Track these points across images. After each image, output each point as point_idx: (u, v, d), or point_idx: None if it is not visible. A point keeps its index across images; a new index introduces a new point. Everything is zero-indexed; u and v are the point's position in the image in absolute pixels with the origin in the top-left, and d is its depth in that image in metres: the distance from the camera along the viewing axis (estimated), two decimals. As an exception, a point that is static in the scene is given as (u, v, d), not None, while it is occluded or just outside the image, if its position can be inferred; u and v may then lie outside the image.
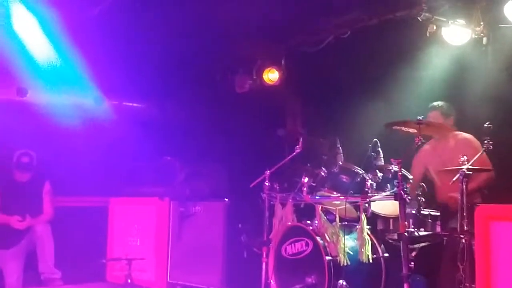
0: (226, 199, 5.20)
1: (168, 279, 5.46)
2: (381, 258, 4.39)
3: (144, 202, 5.81)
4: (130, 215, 5.93)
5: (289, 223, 4.65)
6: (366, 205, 4.30)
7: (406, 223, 3.95)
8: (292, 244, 4.54)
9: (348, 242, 4.33)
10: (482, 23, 4.68)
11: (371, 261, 4.23)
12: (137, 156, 6.06)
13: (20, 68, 5.65)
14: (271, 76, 6.15)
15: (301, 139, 4.83)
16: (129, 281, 5.33)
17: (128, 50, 6.01)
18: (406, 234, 3.90)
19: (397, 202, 3.93)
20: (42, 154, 5.87)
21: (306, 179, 4.58)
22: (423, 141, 4.06)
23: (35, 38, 5.54)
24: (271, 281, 4.63)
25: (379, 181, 4.40)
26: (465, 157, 3.90)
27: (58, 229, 5.71)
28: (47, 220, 5.71)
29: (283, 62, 6.10)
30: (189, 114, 6.75)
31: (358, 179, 4.52)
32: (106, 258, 5.85)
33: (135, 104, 6.97)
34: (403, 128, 4.26)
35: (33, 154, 5.81)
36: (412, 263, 3.91)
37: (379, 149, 4.48)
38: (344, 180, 4.60)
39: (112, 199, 6.16)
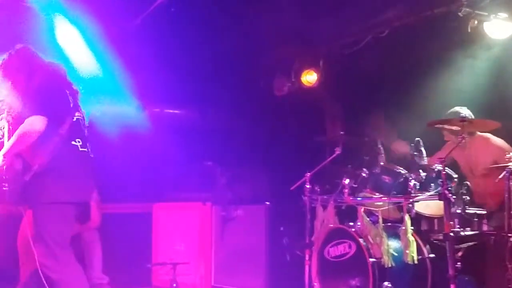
0: (267, 203, 5.21)
1: (213, 283, 5.51)
2: (427, 259, 4.30)
3: (187, 207, 5.89)
4: (174, 220, 6.02)
5: (331, 225, 4.62)
6: (410, 205, 4.24)
7: (451, 223, 3.86)
8: (335, 247, 4.50)
9: (392, 244, 4.26)
10: (525, 15, 4.56)
11: (416, 262, 4.15)
12: (179, 162, 6.14)
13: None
14: (309, 78, 6.13)
15: (340, 141, 4.81)
16: (174, 285, 5.41)
17: (168, 58, 6.12)
18: (451, 234, 3.81)
19: (442, 202, 3.86)
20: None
21: (347, 181, 4.54)
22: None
23: (78, 50, 5.69)
24: (315, 283, 4.61)
25: (423, 180, 4.32)
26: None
27: (105, 235, 5.84)
28: (95, 226, 5.83)
29: (321, 63, 6.07)
30: (229, 118, 6.80)
31: (401, 179, 4.46)
32: (151, 263, 5.95)
33: (176, 111, 7.08)
34: (445, 126, 4.18)
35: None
36: (459, 263, 3.82)
37: (422, 148, 4.40)
38: (386, 180, 4.53)
39: (155, 205, 6.27)
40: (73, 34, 5.51)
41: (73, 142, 3.60)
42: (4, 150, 3.52)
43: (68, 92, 3.68)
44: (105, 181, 6.03)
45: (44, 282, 3.47)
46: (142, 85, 6.28)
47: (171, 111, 7.04)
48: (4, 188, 3.50)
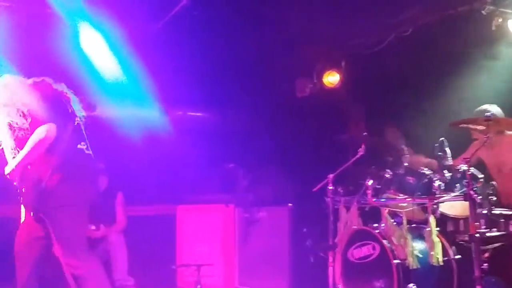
0: (290, 204, 5.20)
1: (236, 285, 5.52)
2: (452, 261, 4.25)
3: (210, 209, 5.91)
4: (197, 222, 6.05)
5: (355, 227, 4.59)
6: (434, 206, 4.19)
7: (477, 223, 3.80)
8: (359, 248, 4.47)
9: (417, 245, 4.22)
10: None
11: (441, 263, 4.10)
12: (201, 164, 6.17)
13: (88, 84, 5.91)
14: (331, 79, 6.12)
15: (363, 141, 4.78)
16: (198, 286, 5.44)
17: (190, 60, 6.16)
18: (477, 235, 3.75)
19: (467, 203, 3.81)
20: (113, 165, 6.11)
21: (370, 182, 4.50)
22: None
23: (101, 54, 5.77)
24: (339, 286, 4.59)
25: (447, 181, 4.26)
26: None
27: (130, 238, 5.91)
28: (120, 229, 5.91)
29: (343, 64, 6.04)
30: (251, 120, 6.82)
31: (425, 180, 4.41)
32: (175, 265, 5.98)
33: (198, 114, 7.12)
34: (470, 126, 4.12)
35: (105, 166, 6.04)
36: (485, 264, 3.75)
37: (446, 148, 4.34)
38: (411, 181, 4.49)
39: (179, 207, 6.30)
40: (96, 39, 5.59)
41: (78, 146, 3.74)
42: (17, 160, 3.64)
43: (63, 99, 3.81)
44: (130, 184, 6.14)
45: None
46: (164, 89, 6.33)
47: (193, 113, 7.08)
48: (21, 198, 3.67)
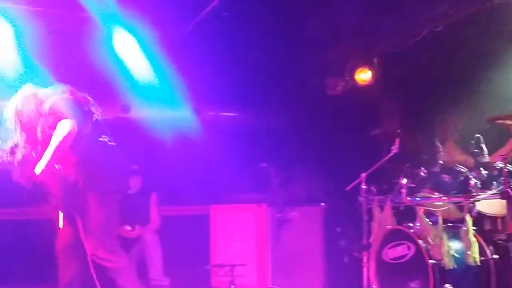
0: (323, 204, 5.16)
1: (270, 285, 5.51)
2: (490, 260, 4.13)
3: (242, 208, 5.92)
4: (230, 222, 6.07)
5: (389, 227, 4.53)
6: (471, 205, 4.10)
7: (515, 222, 3.70)
8: (393, 248, 4.41)
9: (453, 245, 4.13)
10: None
11: (478, 263, 4.01)
12: (234, 164, 6.19)
13: (123, 86, 6.01)
14: (364, 76, 6.02)
15: (397, 139, 4.70)
16: (232, 286, 5.46)
17: (221, 61, 6.19)
18: (516, 234, 3.66)
19: (505, 201, 3.71)
20: (147, 166, 6.20)
21: (404, 180, 4.43)
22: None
23: (134, 57, 5.86)
24: (373, 286, 4.54)
25: (484, 179, 4.17)
26: None
27: (164, 237, 5.98)
28: (155, 229, 5.99)
29: (375, 61, 5.96)
30: (283, 119, 6.80)
31: (461, 178, 4.33)
32: (210, 264, 6.02)
33: (230, 114, 7.15)
34: (507, 122, 4.01)
35: (138, 167, 6.13)
36: (525, 264, 3.66)
37: (483, 145, 4.24)
38: (446, 179, 4.42)
39: (212, 207, 6.34)
40: (129, 41, 5.67)
41: (100, 139, 3.84)
42: (45, 158, 3.72)
43: (81, 101, 3.93)
44: (164, 184, 6.21)
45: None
46: (197, 90, 6.39)
47: (225, 114, 7.12)
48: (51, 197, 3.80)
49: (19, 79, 5.35)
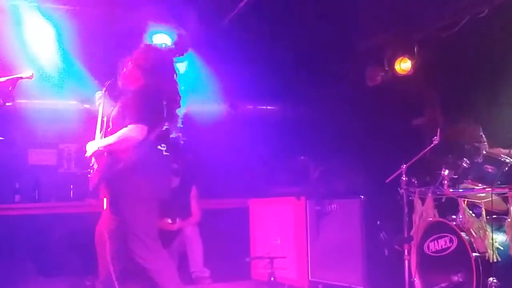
0: (362, 196, 5.09)
1: (310, 277, 5.49)
2: (537, 253, 3.99)
3: (281, 202, 5.92)
4: (269, 215, 6.08)
5: (431, 219, 4.43)
6: (516, 196, 3.96)
7: None
8: (435, 241, 4.31)
9: (497, 237, 4.00)
10: None
11: (525, 257, 3.88)
12: (273, 157, 6.20)
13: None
14: (404, 65, 5.90)
15: (439, 130, 4.59)
16: (272, 279, 5.47)
17: (260, 54, 6.19)
18: None
19: (552, 192, 3.57)
20: (187, 160, 6.27)
21: (446, 172, 4.33)
22: None
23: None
24: (415, 279, 4.46)
25: (530, 169, 4.03)
26: None
27: (205, 230, 6.05)
28: (195, 222, 6.06)
29: (415, 50, 5.82)
30: (321, 112, 6.75)
31: (506, 168, 4.19)
32: (249, 257, 6.05)
33: (268, 107, 7.15)
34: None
35: (180, 160, 6.20)
36: None
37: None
38: (490, 170, 4.27)
39: (251, 200, 6.37)
40: (165, 38, 5.74)
41: (159, 147, 3.83)
42: (100, 143, 3.79)
43: (165, 103, 3.87)
44: (203, 178, 6.28)
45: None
46: (235, 84, 6.41)
47: (264, 107, 7.13)
48: (89, 175, 3.84)
49: (62, 77, 5.52)
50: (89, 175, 3.90)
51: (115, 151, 3.75)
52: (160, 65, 3.95)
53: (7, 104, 3.66)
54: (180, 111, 4.03)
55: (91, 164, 3.89)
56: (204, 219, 6.12)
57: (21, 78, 3.75)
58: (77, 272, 5.71)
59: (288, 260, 5.61)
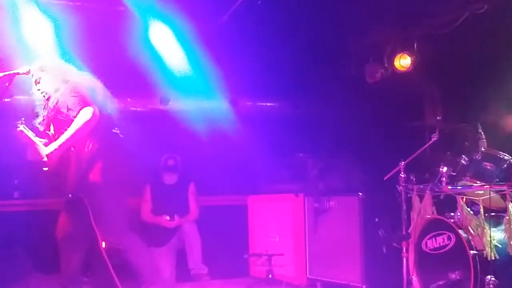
0: (360, 193, 5.08)
1: (308, 275, 5.48)
2: (535, 251, 3.97)
3: (280, 199, 5.91)
4: (268, 211, 6.07)
5: (429, 216, 4.42)
6: (515, 193, 3.94)
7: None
8: (433, 238, 4.31)
9: (495, 235, 4.00)
10: None
11: (523, 254, 3.86)
12: (271, 154, 6.18)
13: (160, 78, 6.07)
14: (403, 62, 5.86)
15: (437, 127, 4.57)
16: (270, 276, 5.47)
17: (258, 51, 6.17)
18: (562, 224, 3.50)
19: (550, 189, 3.55)
20: (185, 156, 6.26)
21: (445, 169, 4.31)
22: None
23: (171, 49, 5.90)
24: (413, 276, 4.45)
25: (529, 166, 4.01)
26: None
27: (203, 227, 6.04)
28: (193, 219, 6.05)
29: (415, 46, 5.79)
30: (320, 109, 6.73)
31: (504, 166, 4.18)
32: (248, 254, 6.04)
33: (268, 104, 7.13)
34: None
35: (178, 157, 6.19)
36: None
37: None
38: (488, 167, 4.26)
39: (250, 197, 6.36)
40: (166, 33, 5.72)
41: (113, 130, 3.94)
42: (61, 140, 3.79)
43: (97, 90, 3.99)
44: (201, 174, 6.26)
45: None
46: (233, 80, 6.39)
47: (263, 104, 7.11)
48: (60, 179, 3.87)
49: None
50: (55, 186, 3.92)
51: (78, 148, 3.77)
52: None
53: (5, 100, 3.67)
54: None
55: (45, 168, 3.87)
56: (202, 216, 6.11)
57: (18, 74, 3.75)
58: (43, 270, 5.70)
59: (286, 257, 5.60)
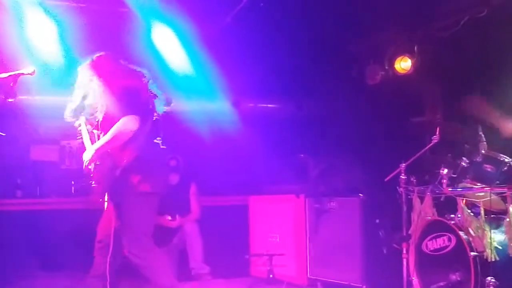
0: (361, 195, 5.11)
1: (308, 275, 5.52)
2: (535, 253, 4.01)
3: (281, 199, 5.94)
4: (269, 212, 6.10)
5: (429, 218, 4.45)
6: (515, 196, 3.98)
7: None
8: (434, 240, 4.34)
9: (496, 236, 4.03)
10: None
11: (523, 256, 3.90)
12: (273, 154, 6.21)
13: (163, 80, 6.09)
14: (404, 64, 5.90)
15: (438, 129, 4.60)
16: (271, 276, 5.51)
17: (260, 52, 6.19)
18: (562, 226, 3.53)
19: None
20: (187, 157, 6.29)
21: (445, 171, 4.35)
22: None
23: (173, 50, 5.93)
24: (413, 278, 4.48)
25: (529, 169, 4.05)
26: None
27: (205, 227, 6.07)
28: (195, 219, 6.08)
29: (416, 49, 5.82)
30: (321, 110, 6.76)
31: (505, 168, 4.21)
32: (249, 254, 6.07)
33: (269, 105, 7.16)
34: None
35: (180, 157, 6.22)
36: None
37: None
38: (489, 169, 4.29)
39: (251, 197, 6.39)
40: (168, 35, 5.75)
41: (155, 140, 3.85)
42: (97, 145, 3.76)
43: (147, 95, 3.89)
44: (203, 175, 6.30)
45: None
46: (235, 81, 6.42)
47: (264, 105, 7.14)
48: (93, 185, 3.78)
49: (65, 74, 5.53)
50: (93, 185, 3.83)
51: (115, 154, 3.74)
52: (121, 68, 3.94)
53: (9, 100, 3.67)
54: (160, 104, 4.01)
55: (91, 174, 3.82)
56: (204, 216, 6.14)
57: (23, 74, 3.76)
58: (78, 268, 5.72)
59: (287, 257, 5.64)
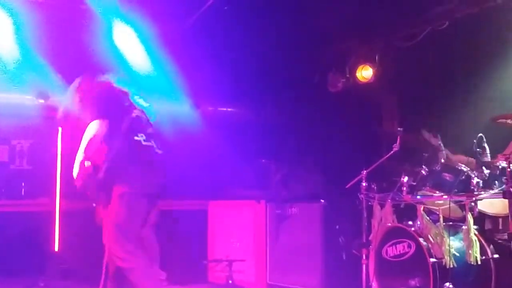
0: (322, 201, 5.14)
1: (268, 281, 5.49)
2: (491, 260, 4.11)
3: (241, 205, 5.90)
4: (229, 217, 6.04)
5: (389, 224, 4.51)
6: (472, 204, 4.08)
7: (517, 222, 3.69)
8: (393, 246, 4.39)
9: (454, 243, 4.12)
10: None
11: (479, 263, 3.99)
12: (233, 159, 6.17)
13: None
14: (365, 73, 6.00)
15: (398, 137, 4.68)
16: (230, 282, 5.45)
17: (221, 56, 6.15)
18: (517, 234, 3.65)
19: (506, 200, 3.70)
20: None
21: (405, 178, 4.42)
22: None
23: (133, 50, 5.81)
24: (373, 283, 4.53)
25: (486, 178, 4.16)
26: None
27: (161, 232, 5.93)
28: (151, 223, 5.93)
29: (377, 58, 5.93)
30: (283, 116, 6.77)
31: (463, 177, 4.29)
32: (207, 260, 5.99)
33: (229, 109, 7.12)
34: (509, 121, 4.00)
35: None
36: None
37: (485, 145, 4.23)
38: (447, 178, 4.37)
39: (210, 202, 6.32)
40: (129, 34, 5.63)
41: (135, 137, 3.76)
42: (77, 157, 3.74)
43: (119, 94, 3.89)
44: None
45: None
46: (196, 84, 6.35)
47: (224, 109, 7.09)
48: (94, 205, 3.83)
49: (19, 70, 5.32)
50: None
51: (94, 158, 3.71)
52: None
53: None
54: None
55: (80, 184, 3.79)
56: (161, 221, 6.01)
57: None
58: (30, 273, 5.51)
59: (247, 263, 5.60)
